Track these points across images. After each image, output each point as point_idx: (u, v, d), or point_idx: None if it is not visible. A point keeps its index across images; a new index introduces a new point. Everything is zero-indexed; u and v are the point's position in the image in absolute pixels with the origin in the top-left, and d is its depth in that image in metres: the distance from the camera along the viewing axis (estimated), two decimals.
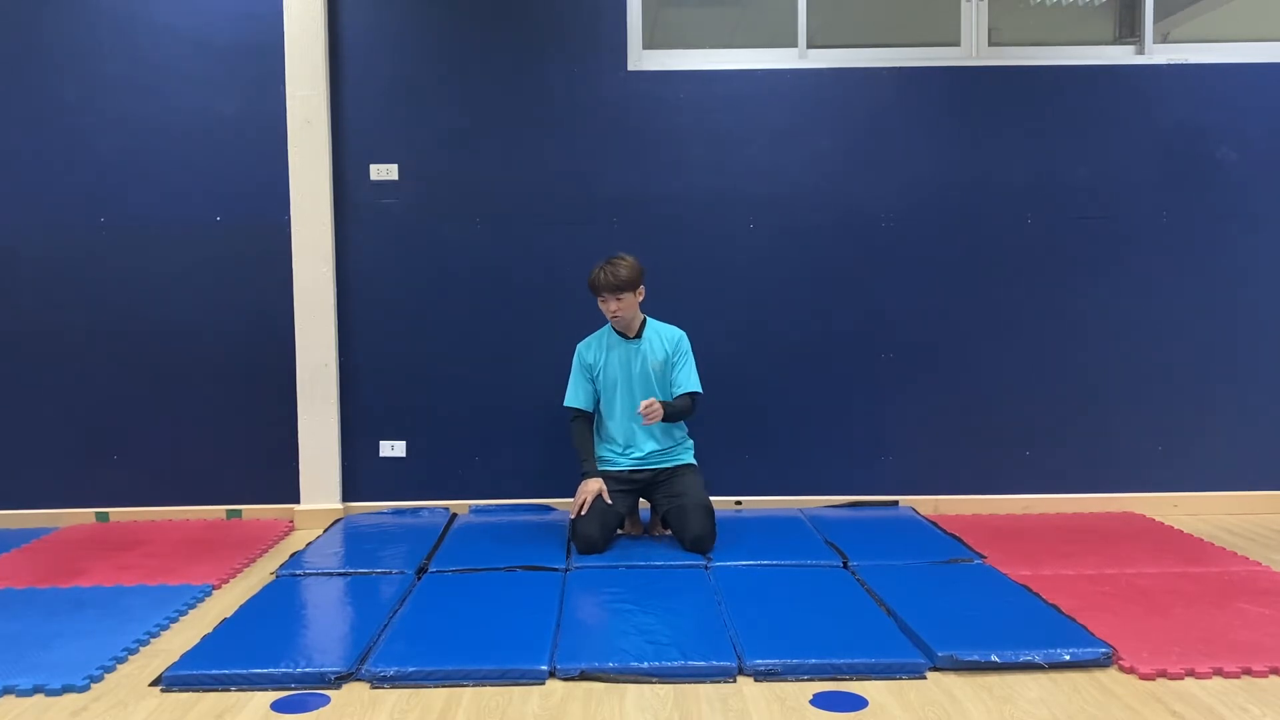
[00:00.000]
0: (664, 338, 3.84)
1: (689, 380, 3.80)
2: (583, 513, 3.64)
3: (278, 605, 3.15)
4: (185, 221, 4.23)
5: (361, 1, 4.23)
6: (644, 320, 3.85)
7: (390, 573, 3.45)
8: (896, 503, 4.33)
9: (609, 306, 3.73)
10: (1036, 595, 3.09)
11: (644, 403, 3.62)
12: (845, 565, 3.49)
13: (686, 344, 3.85)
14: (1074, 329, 4.32)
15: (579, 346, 3.89)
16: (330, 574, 3.47)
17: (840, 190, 4.29)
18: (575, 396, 3.85)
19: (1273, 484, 4.33)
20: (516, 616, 2.96)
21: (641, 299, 3.79)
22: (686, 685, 2.56)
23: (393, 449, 4.33)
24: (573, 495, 3.74)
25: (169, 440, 4.28)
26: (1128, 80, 4.27)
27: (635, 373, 3.80)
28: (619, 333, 3.84)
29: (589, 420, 3.85)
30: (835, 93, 4.28)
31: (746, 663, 2.62)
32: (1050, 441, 4.33)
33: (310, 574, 3.46)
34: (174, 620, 3.07)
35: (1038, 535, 3.86)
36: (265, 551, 3.85)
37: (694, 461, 3.86)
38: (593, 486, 3.68)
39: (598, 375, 3.84)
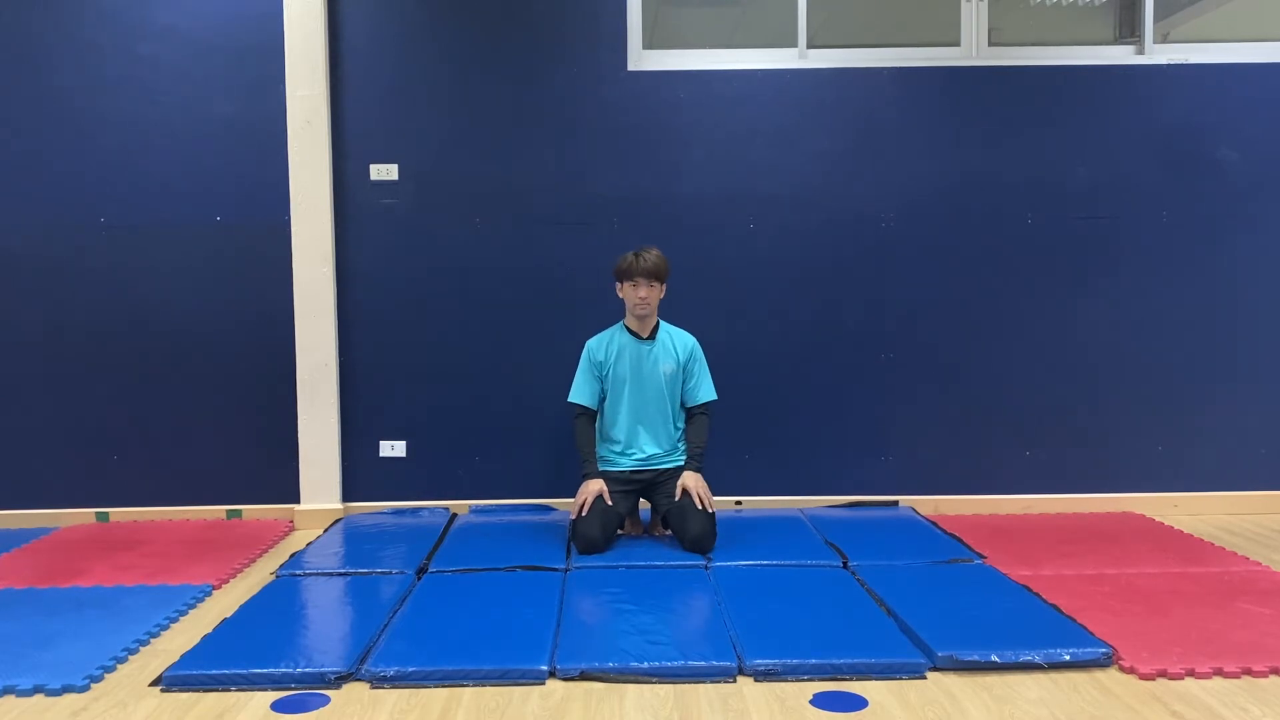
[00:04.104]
0: (677, 343, 3.84)
1: (707, 390, 3.84)
2: (583, 514, 3.64)
3: (278, 605, 3.15)
4: (185, 221, 4.23)
5: (361, 1, 4.23)
6: (657, 322, 3.86)
7: (390, 573, 3.45)
8: (896, 503, 4.33)
9: (639, 292, 3.71)
10: (1036, 595, 3.09)
11: (696, 498, 3.64)
12: (845, 565, 3.49)
13: (700, 351, 3.86)
14: (1074, 329, 4.32)
15: (589, 343, 3.88)
16: (330, 574, 3.47)
17: (840, 190, 4.29)
18: (580, 393, 3.83)
19: (1273, 484, 4.33)
20: (516, 616, 2.96)
21: (662, 297, 3.80)
22: (686, 685, 2.56)
23: (393, 449, 4.33)
24: (573, 495, 3.74)
25: (169, 440, 4.28)
26: (1128, 80, 4.27)
27: (646, 373, 3.80)
28: (632, 332, 3.83)
29: (592, 419, 3.85)
30: (835, 93, 4.29)
31: (746, 663, 2.62)
32: (1050, 441, 4.33)
33: (310, 574, 3.46)
34: (174, 620, 3.07)
35: (1038, 535, 3.86)
36: (265, 551, 3.85)
37: None
38: (593, 487, 3.68)
39: (607, 373, 3.83)
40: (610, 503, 3.68)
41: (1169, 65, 4.27)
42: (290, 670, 2.59)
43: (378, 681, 2.58)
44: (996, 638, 2.73)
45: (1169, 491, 4.32)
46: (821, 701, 2.46)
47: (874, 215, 4.30)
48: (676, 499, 3.68)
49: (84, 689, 2.57)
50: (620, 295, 3.80)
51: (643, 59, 4.29)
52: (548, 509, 4.30)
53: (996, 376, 4.33)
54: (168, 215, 4.23)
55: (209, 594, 3.33)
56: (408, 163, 4.26)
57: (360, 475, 4.34)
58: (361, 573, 3.47)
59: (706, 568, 3.47)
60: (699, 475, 3.70)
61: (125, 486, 4.28)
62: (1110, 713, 2.38)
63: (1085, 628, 2.80)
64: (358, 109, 4.25)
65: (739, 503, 4.33)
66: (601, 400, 3.86)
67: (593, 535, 3.59)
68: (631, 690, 2.54)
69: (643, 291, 3.71)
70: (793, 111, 4.28)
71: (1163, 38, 4.36)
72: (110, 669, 2.69)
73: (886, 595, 3.09)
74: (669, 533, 3.78)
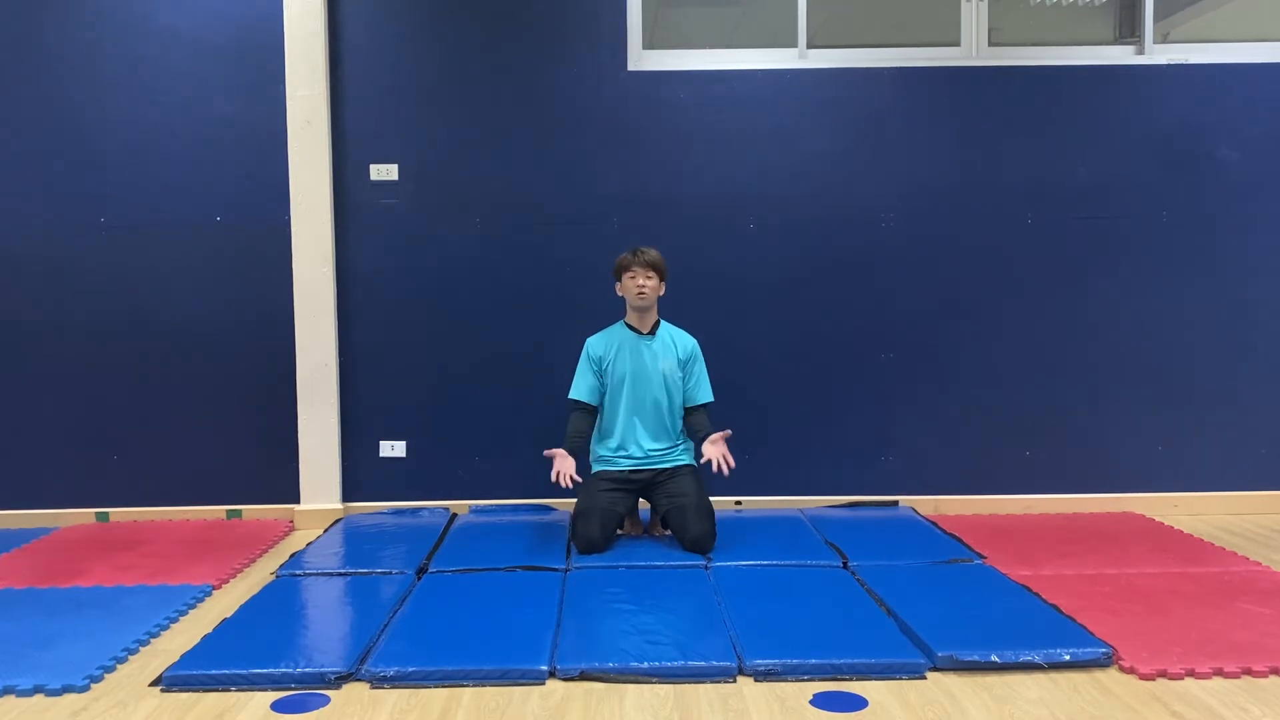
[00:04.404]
0: (678, 342, 3.85)
1: (705, 391, 3.87)
2: (558, 478, 3.61)
3: (278, 605, 3.15)
4: (185, 221, 4.23)
5: (361, 1, 4.23)
6: (658, 320, 3.86)
7: (390, 573, 3.45)
8: (896, 503, 4.33)
9: (637, 281, 3.72)
10: (1036, 595, 3.09)
11: (719, 453, 3.66)
12: (845, 565, 3.49)
13: (700, 353, 3.88)
14: (1074, 329, 4.32)
15: (589, 340, 3.88)
16: (330, 574, 3.47)
17: (840, 190, 4.29)
18: (580, 389, 3.83)
19: (1273, 484, 4.33)
20: (516, 616, 2.96)
21: (661, 294, 3.81)
22: (686, 685, 2.56)
23: (393, 449, 4.33)
24: (573, 496, 3.74)
25: (169, 440, 4.28)
26: (1128, 80, 4.27)
27: (646, 369, 3.80)
28: (632, 328, 3.83)
29: (589, 413, 3.84)
30: (835, 93, 4.29)
31: (746, 663, 2.62)
32: (1050, 441, 4.33)
33: (310, 574, 3.46)
34: (174, 620, 3.07)
35: (1038, 535, 3.86)
36: (265, 551, 3.85)
37: (693, 462, 3.86)
38: (567, 463, 3.66)
39: (606, 370, 3.83)
40: (572, 482, 3.65)
41: (1169, 65, 4.27)
42: (290, 670, 2.59)
43: (378, 681, 2.58)
44: (996, 638, 2.73)
45: (1169, 491, 4.32)
46: (821, 701, 2.46)
47: (874, 215, 4.30)
48: (703, 460, 3.70)
49: (84, 689, 2.57)
50: (620, 293, 3.81)
51: (643, 59, 4.29)
52: (548, 509, 4.30)
53: (996, 376, 4.33)
54: (168, 215, 4.23)
55: (209, 594, 3.34)
56: (408, 163, 4.27)
57: (360, 475, 4.34)
58: (361, 573, 3.47)
59: (706, 568, 3.47)
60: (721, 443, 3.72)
61: (125, 486, 4.28)
62: (1110, 713, 2.38)
63: (1085, 628, 2.80)
64: (358, 109, 4.25)
65: (739, 503, 4.33)
66: (602, 397, 3.86)
67: (592, 535, 3.60)
68: (631, 690, 2.54)
69: (640, 280, 3.72)
70: (793, 111, 4.28)
71: (1163, 38, 4.36)
72: (110, 669, 2.69)
73: (886, 595, 3.09)
74: (669, 533, 3.78)
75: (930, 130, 4.28)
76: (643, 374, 3.80)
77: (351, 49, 4.24)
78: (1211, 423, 4.32)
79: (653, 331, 3.84)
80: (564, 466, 3.66)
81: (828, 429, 4.34)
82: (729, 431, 3.73)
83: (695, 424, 3.84)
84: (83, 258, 4.23)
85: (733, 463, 3.66)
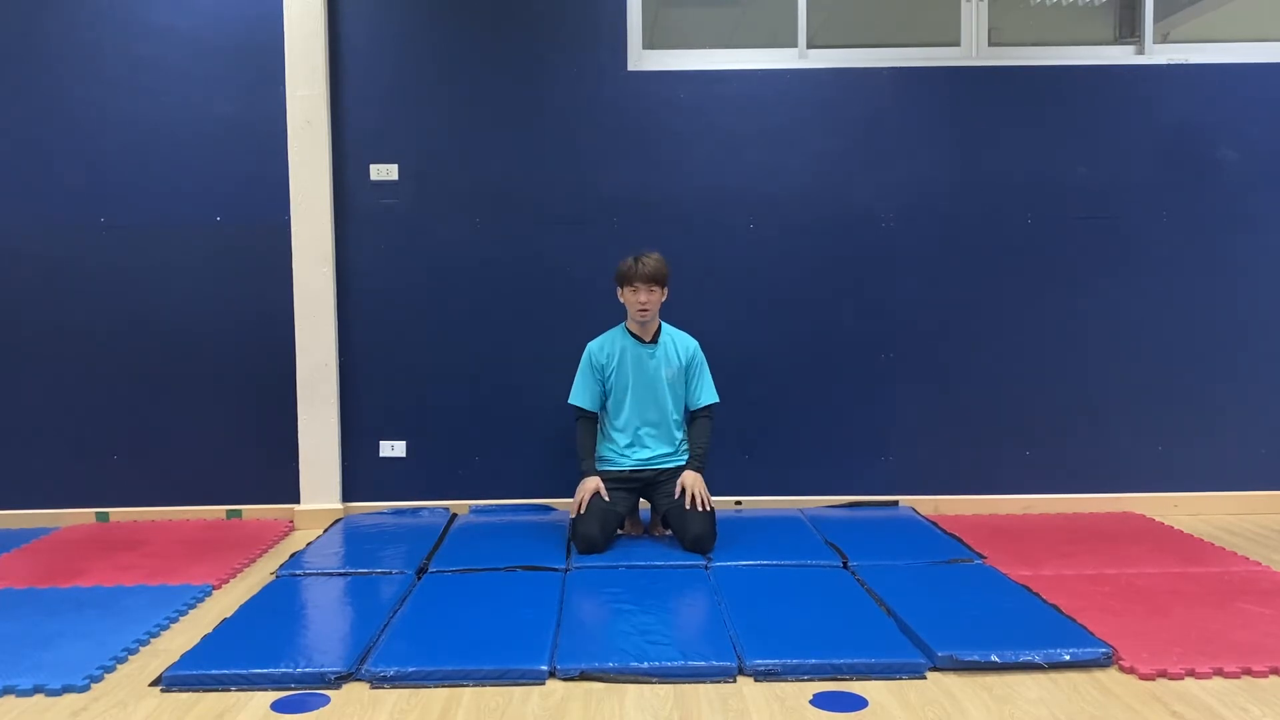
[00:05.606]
0: (680, 347, 3.84)
1: (709, 393, 3.84)
2: (581, 511, 3.63)
3: (278, 605, 3.15)
4: (185, 221, 4.23)
5: (362, 1, 4.23)
6: (660, 325, 3.86)
7: (390, 573, 3.45)
8: (896, 503, 4.33)
9: (639, 297, 3.70)
10: (1036, 595, 3.09)
11: (690, 497, 3.62)
12: (845, 565, 3.49)
13: (702, 355, 3.88)
14: (1074, 329, 4.32)
15: (590, 346, 3.88)
16: (330, 574, 3.47)
17: (840, 190, 4.29)
18: (581, 396, 3.83)
19: (1273, 484, 4.33)
20: (516, 616, 2.96)
21: (664, 300, 3.80)
22: (686, 685, 2.56)
23: (393, 449, 4.33)
24: (573, 495, 3.74)
25: (169, 440, 4.28)
26: (1128, 80, 4.27)
27: (649, 376, 3.79)
28: (634, 335, 3.83)
29: (593, 421, 3.85)
30: (835, 93, 4.29)
31: (746, 663, 2.62)
32: (1050, 441, 4.33)
33: (310, 574, 3.46)
34: (174, 620, 3.07)
35: (1038, 535, 3.86)
36: (265, 551, 3.85)
37: None
38: (590, 485, 3.69)
39: (609, 376, 3.83)
40: (607, 498, 3.68)
41: (1169, 65, 4.27)
42: (290, 670, 2.59)
43: (378, 681, 2.58)
44: (996, 638, 2.73)
45: (1169, 491, 4.31)
46: (821, 701, 2.46)
47: (874, 215, 4.30)
48: (675, 496, 3.67)
49: (84, 689, 2.57)
50: (621, 300, 3.80)
51: (643, 59, 4.29)
52: (548, 509, 4.30)
53: (996, 376, 4.33)
54: (168, 215, 4.23)
55: (209, 594, 3.34)
56: (408, 163, 4.27)
57: (360, 475, 4.34)
58: (361, 573, 3.47)
59: (706, 568, 3.47)
60: (699, 475, 3.70)
61: (125, 486, 4.28)
62: (1110, 713, 2.38)
63: (1085, 628, 2.80)
64: (358, 109, 4.25)
65: (739, 503, 4.33)
66: (605, 400, 3.86)
67: (593, 535, 3.59)
68: (631, 690, 2.54)
69: (642, 296, 3.71)
70: (793, 111, 4.28)
71: (1163, 38, 4.36)
72: (110, 669, 2.69)
73: (886, 595, 3.09)
74: (669, 533, 3.78)
75: (930, 130, 4.28)
76: (645, 384, 3.80)
77: (351, 49, 4.24)
78: (1211, 423, 4.32)
79: (654, 339, 3.83)
80: (589, 490, 3.67)
81: (828, 429, 4.34)
82: (695, 479, 3.68)
83: (693, 433, 3.81)
84: (83, 258, 4.22)
85: (707, 502, 3.64)
